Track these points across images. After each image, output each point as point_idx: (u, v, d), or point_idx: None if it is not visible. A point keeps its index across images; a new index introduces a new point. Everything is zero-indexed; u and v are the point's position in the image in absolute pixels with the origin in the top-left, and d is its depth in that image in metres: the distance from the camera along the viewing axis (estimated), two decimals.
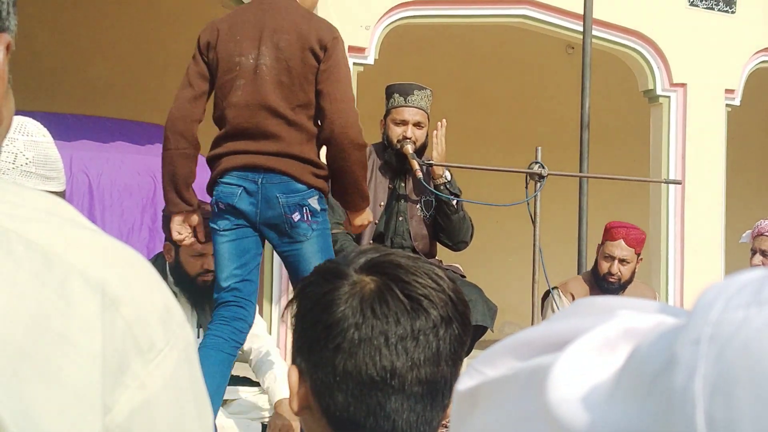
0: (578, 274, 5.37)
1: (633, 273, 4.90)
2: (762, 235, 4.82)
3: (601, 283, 4.85)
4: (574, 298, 4.86)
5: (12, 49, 0.74)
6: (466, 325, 1.21)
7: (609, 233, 4.88)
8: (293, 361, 1.22)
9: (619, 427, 0.45)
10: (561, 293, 4.90)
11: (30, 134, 2.18)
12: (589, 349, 0.51)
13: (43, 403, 0.57)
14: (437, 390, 1.18)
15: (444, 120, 4.60)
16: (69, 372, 0.58)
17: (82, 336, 0.59)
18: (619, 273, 4.82)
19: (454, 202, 4.55)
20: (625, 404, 0.45)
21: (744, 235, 4.89)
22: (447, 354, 1.18)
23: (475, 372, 0.62)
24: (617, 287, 4.84)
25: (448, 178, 4.56)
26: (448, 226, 4.56)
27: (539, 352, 0.57)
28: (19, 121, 2.22)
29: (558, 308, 4.84)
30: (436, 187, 4.51)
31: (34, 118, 6.16)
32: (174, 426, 0.63)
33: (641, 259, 4.95)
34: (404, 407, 1.16)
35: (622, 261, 4.82)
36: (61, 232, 0.64)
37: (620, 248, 4.82)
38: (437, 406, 1.18)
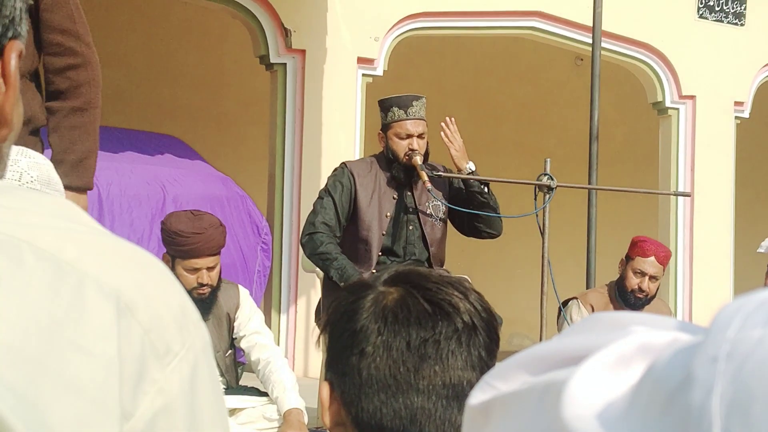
0: (586, 286, 5.35)
1: (657, 289, 4.88)
2: None
3: (627, 297, 4.79)
4: (594, 310, 4.83)
5: (23, 56, 0.75)
6: (493, 333, 1.23)
7: (640, 249, 4.81)
8: (325, 377, 1.25)
9: None
10: (581, 304, 4.86)
11: (32, 157, 2.26)
12: (604, 364, 0.51)
13: (59, 412, 0.57)
14: (464, 394, 1.18)
15: (449, 118, 4.62)
16: (85, 380, 0.58)
17: (97, 344, 0.59)
18: (648, 289, 4.79)
19: (485, 189, 4.58)
20: (641, 421, 0.45)
21: (763, 243, 4.86)
22: (473, 360, 1.20)
23: (488, 386, 0.62)
24: (643, 303, 4.80)
25: (472, 168, 4.58)
26: (486, 213, 4.59)
27: (552, 367, 0.56)
28: (18, 147, 2.28)
29: (575, 319, 4.81)
30: (465, 180, 4.56)
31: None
32: (195, 427, 0.64)
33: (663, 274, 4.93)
34: (431, 410, 1.18)
35: (652, 278, 4.78)
36: (73, 238, 0.63)
37: (653, 266, 4.76)
38: (464, 411, 1.19)
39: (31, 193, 0.69)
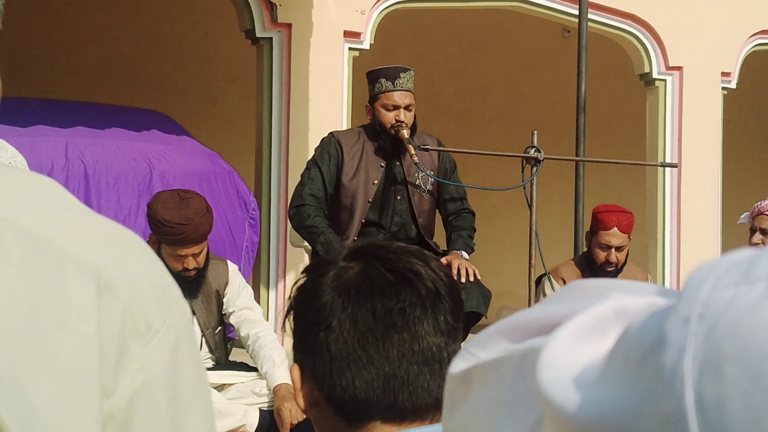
0: (574, 257, 5.37)
1: (627, 255, 4.90)
2: (762, 214, 4.81)
3: (597, 271, 4.82)
4: (565, 284, 4.87)
5: None
6: (456, 298, 1.24)
7: (601, 222, 4.83)
8: (294, 360, 1.25)
9: (609, 407, 0.45)
10: (552, 279, 4.88)
11: (11, 148, 2.33)
12: (580, 329, 0.51)
13: (39, 391, 0.57)
14: (434, 359, 1.19)
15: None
16: (65, 358, 0.58)
17: (77, 322, 0.59)
18: (616, 260, 4.80)
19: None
20: (616, 384, 0.45)
21: (742, 216, 4.88)
22: (439, 325, 1.20)
23: (468, 355, 0.62)
24: (615, 273, 4.82)
25: (466, 257, 4.61)
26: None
27: (532, 334, 0.57)
28: None
29: (549, 294, 4.84)
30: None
31: (28, 104, 6.10)
32: (176, 405, 0.64)
33: (630, 238, 4.94)
34: (403, 378, 1.18)
35: (618, 248, 4.79)
36: (53, 216, 0.63)
37: (616, 236, 4.77)
38: (436, 375, 1.19)
39: (10, 171, 0.68)
